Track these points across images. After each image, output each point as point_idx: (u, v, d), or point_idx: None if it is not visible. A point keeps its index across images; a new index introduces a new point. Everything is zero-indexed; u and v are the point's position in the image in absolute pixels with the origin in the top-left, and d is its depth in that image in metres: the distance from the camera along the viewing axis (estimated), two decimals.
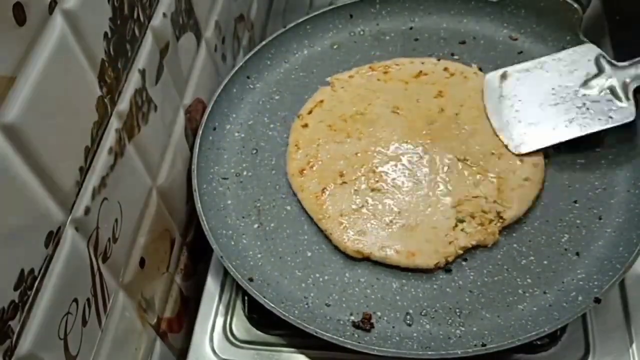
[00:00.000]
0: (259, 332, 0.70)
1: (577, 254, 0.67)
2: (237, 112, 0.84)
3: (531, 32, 0.86)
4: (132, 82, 0.60)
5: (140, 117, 0.62)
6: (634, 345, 0.66)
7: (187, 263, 0.77)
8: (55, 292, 0.47)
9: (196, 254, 0.79)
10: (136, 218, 0.63)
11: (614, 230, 0.68)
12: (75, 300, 0.51)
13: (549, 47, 0.84)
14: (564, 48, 0.82)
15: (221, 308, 0.72)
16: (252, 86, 0.86)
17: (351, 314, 0.66)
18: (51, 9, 0.47)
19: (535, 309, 0.64)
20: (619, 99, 0.72)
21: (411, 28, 0.90)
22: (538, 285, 0.66)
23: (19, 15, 0.42)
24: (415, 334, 0.64)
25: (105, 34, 0.54)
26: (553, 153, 0.75)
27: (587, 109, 0.73)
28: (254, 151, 0.80)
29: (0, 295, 0.42)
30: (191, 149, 0.77)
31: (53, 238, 0.47)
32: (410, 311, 0.66)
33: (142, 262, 0.64)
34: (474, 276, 0.67)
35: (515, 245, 0.69)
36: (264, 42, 0.88)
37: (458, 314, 0.65)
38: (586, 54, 0.78)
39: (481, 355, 0.61)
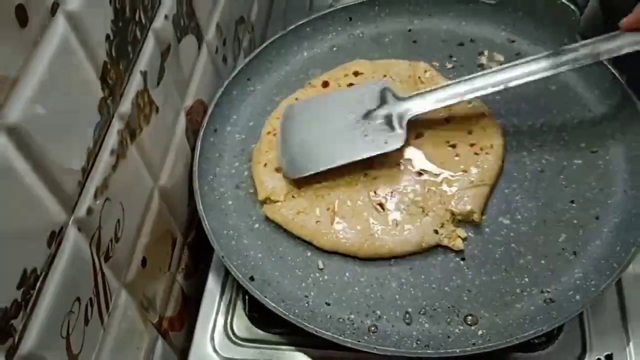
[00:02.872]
0: (259, 331, 0.71)
1: (575, 253, 0.68)
2: (237, 114, 0.84)
3: (529, 34, 0.86)
4: (134, 83, 0.60)
5: (142, 119, 0.62)
6: (630, 344, 0.67)
7: (189, 263, 0.78)
8: (58, 292, 0.48)
9: (197, 253, 0.80)
10: (138, 218, 0.63)
11: (611, 230, 0.69)
12: (78, 299, 0.51)
13: (547, 49, 0.82)
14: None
15: (222, 307, 0.73)
16: (252, 88, 0.87)
17: (351, 313, 0.66)
18: (53, 10, 0.47)
19: (532, 308, 0.65)
20: (393, 128, 0.74)
21: (410, 30, 0.91)
22: (536, 285, 0.66)
23: (22, 16, 0.43)
24: (414, 333, 0.64)
25: (108, 35, 0.55)
26: (550, 154, 0.75)
27: (365, 136, 0.74)
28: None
29: (3, 295, 0.42)
30: (192, 150, 0.78)
31: (56, 238, 0.48)
32: (410, 310, 0.66)
33: (144, 262, 0.64)
34: (472, 275, 0.67)
35: (513, 245, 0.69)
36: (264, 45, 0.88)
37: (456, 313, 0.65)
38: (375, 86, 0.79)
39: (479, 354, 0.61)
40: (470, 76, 0.75)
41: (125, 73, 0.59)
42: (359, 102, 0.78)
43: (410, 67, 0.85)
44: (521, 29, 0.87)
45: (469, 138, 0.77)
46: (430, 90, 0.76)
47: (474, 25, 0.89)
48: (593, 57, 0.71)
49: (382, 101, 0.77)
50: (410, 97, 0.76)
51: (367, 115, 0.76)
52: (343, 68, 0.87)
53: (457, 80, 0.75)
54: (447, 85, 0.76)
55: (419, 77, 0.84)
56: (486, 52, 0.86)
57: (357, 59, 0.88)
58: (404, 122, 0.74)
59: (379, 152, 0.73)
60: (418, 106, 0.75)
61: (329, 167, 0.74)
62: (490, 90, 0.73)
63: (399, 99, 0.77)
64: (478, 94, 0.74)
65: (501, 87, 0.73)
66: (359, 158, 0.73)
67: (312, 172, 0.74)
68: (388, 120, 0.75)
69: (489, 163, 0.74)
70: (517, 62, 0.74)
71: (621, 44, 0.70)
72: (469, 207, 0.71)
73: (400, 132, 0.74)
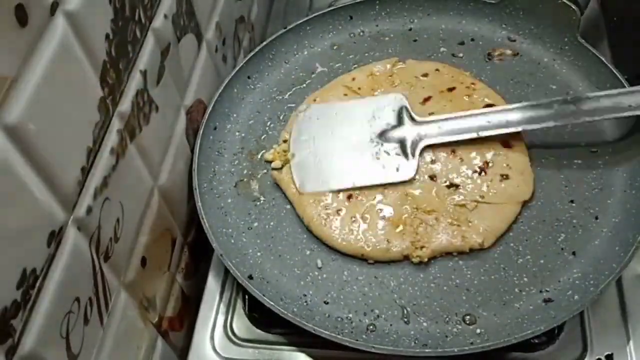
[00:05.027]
0: (259, 331, 0.71)
1: (574, 253, 0.68)
2: (237, 112, 0.84)
3: (529, 33, 0.86)
4: (134, 83, 0.60)
5: (141, 118, 0.62)
6: (631, 343, 0.67)
7: (188, 262, 0.78)
8: (57, 291, 0.48)
9: (197, 253, 0.80)
10: (138, 218, 0.63)
11: (610, 230, 0.69)
12: (77, 299, 0.51)
13: (547, 48, 0.84)
14: (561, 49, 0.83)
15: (222, 307, 0.73)
16: (252, 86, 0.87)
17: (349, 312, 0.67)
18: (53, 10, 0.47)
19: (531, 307, 0.65)
20: (406, 156, 0.73)
21: (410, 29, 0.91)
22: (534, 284, 0.66)
23: (21, 16, 0.43)
24: (412, 332, 0.65)
25: (107, 35, 0.55)
26: (550, 153, 0.75)
27: (377, 159, 0.74)
28: (254, 150, 0.81)
29: (3, 294, 0.42)
30: (192, 149, 0.78)
31: (55, 237, 0.48)
32: (408, 309, 0.66)
33: (143, 262, 0.64)
34: (470, 275, 0.68)
35: (512, 244, 0.69)
36: (264, 43, 0.88)
37: (455, 312, 0.65)
38: (391, 103, 0.78)
39: (478, 353, 0.61)
40: (493, 110, 0.75)
41: (124, 72, 0.59)
42: (376, 117, 0.78)
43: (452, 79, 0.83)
44: (522, 28, 0.87)
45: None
46: (447, 119, 0.75)
47: (474, 24, 0.89)
48: (617, 110, 0.71)
49: (399, 121, 0.76)
50: (426, 122, 0.75)
51: (382, 134, 0.76)
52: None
53: (475, 112, 0.75)
54: (466, 117, 0.75)
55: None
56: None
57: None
58: (417, 151, 0.74)
59: (388, 181, 0.72)
60: (433, 135, 0.74)
61: (338, 189, 0.73)
62: (512, 129, 0.73)
63: (415, 122, 0.76)
64: (499, 131, 0.73)
65: (521, 128, 0.73)
66: (369, 184, 0.73)
67: (319, 191, 0.73)
68: (402, 145, 0.75)
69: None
70: (540, 102, 0.73)
71: None
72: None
73: (413, 162, 0.73)
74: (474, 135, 0.73)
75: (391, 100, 0.79)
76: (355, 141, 0.76)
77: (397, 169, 0.73)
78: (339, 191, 0.73)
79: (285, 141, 0.79)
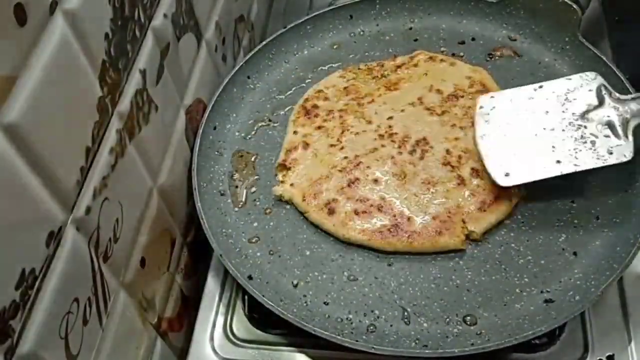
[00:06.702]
0: (259, 332, 0.71)
1: (575, 253, 0.68)
2: (237, 112, 0.84)
3: (530, 32, 0.86)
4: (133, 82, 0.60)
5: (140, 117, 0.62)
6: (632, 344, 0.67)
7: (188, 263, 0.78)
8: (56, 292, 0.48)
9: (197, 253, 0.80)
10: (137, 218, 0.63)
11: (611, 230, 0.69)
12: (76, 299, 0.51)
13: (548, 48, 0.84)
14: (562, 49, 0.83)
15: (221, 307, 0.73)
16: (252, 86, 0.87)
17: (349, 313, 0.66)
18: (52, 9, 0.47)
19: (532, 308, 0.65)
20: (618, 136, 0.68)
21: (410, 28, 0.91)
22: (535, 285, 0.66)
23: (20, 15, 0.43)
24: (412, 333, 0.64)
25: (106, 34, 0.55)
26: None
27: (583, 143, 0.69)
28: (254, 150, 0.81)
29: (2, 295, 0.42)
30: (192, 149, 0.78)
31: (54, 238, 0.48)
32: (408, 310, 0.66)
33: (142, 262, 0.64)
34: (471, 275, 0.68)
35: (513, 244, 0.69)
36: (264, 42, 0.88)
37: (455, 312, 0.65)
38: (588, 82, 0.73)
39: (478, 354, 0.61)
40: None
41: (124, 72, 0.58)
42: (570, 99, 0.72)
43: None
44: (522, 27, 0.87)
45: None
46: None
47: (474, 24, 0.90)
48: None
49: (600, 100, 0.71)
50: (635, 98, 0.69)
51: (583, 116, 0.70)
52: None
53: None
54: None
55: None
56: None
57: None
58: (630, 131, 0.68)
59: (602, 165, 0.67)
60: None
61: (548, 176, 0.68)
62: None
63: (619, 100, 0.70)
64: None
65: None
66: (581, 169, 0.67)
67: (528, 181, 0.69)
68: (610, 124, 0.69)
69: None
70: None
71: None
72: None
73: (626, 141, 0.67)
74: None
75: (585, 79, 0.73)
76: (553, 125, 0.71)
77: (610, 152, 0.67)
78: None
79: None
